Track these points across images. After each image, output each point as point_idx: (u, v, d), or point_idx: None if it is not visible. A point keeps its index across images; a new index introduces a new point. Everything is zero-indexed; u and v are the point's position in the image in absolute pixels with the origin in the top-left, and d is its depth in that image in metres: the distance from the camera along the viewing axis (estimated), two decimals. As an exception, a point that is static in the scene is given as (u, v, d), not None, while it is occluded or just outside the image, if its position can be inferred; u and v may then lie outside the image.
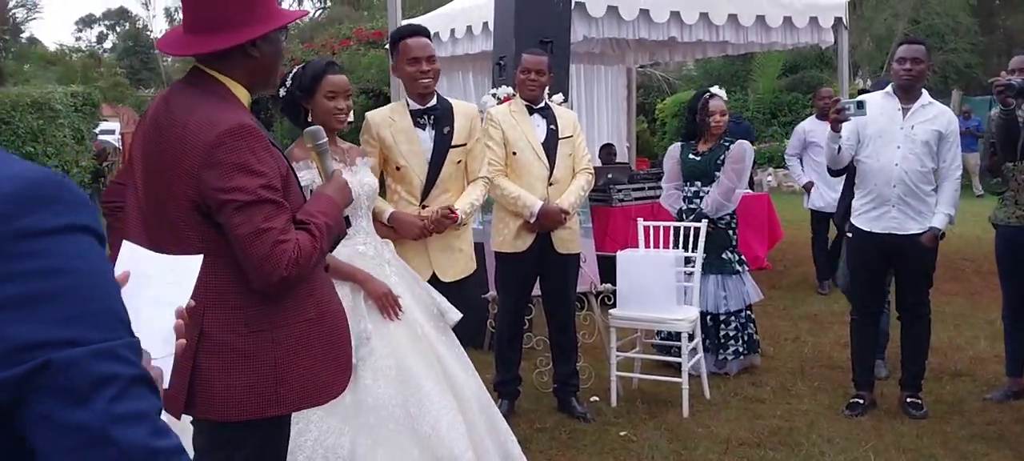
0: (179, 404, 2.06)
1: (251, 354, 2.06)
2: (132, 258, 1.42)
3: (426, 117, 3.66)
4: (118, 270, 1.41)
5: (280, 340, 2.09)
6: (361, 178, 3.07)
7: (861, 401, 4.43)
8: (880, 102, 4.29)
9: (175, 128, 2.02)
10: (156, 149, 2.06)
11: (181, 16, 2.15)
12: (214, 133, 1.95)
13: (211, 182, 1.95)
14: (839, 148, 4.27)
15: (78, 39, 44.37)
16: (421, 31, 3.73)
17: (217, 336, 2.05)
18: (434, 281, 3.49)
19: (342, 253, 2.87)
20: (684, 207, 5.07)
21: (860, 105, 4.12)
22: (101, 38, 45.10)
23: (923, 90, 4.29)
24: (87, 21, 45.65)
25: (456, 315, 3.25)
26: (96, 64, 29.74)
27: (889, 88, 4.35)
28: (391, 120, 3.65)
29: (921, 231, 4.20)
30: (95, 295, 0.92)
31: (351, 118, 3.53)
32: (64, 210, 0.91)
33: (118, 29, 43.63)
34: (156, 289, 1.39)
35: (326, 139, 2.46)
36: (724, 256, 5.06)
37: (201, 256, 1.52)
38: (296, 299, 2.11)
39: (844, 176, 4.83)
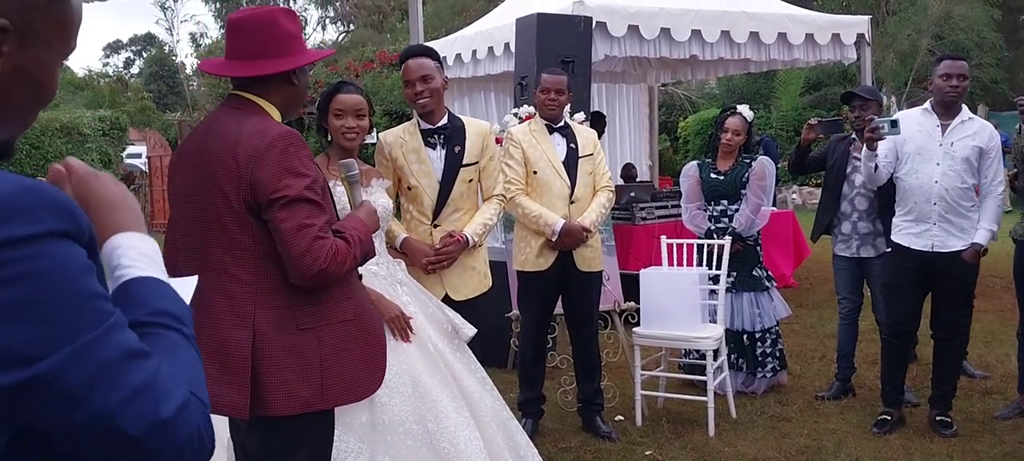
0: (245, 406, 2.19)
1: (300, 351, 2.22)
2: None
3: (437, 136, 3.64)
4: None
5: (324, 338, 2.25)
6: (376, 199, 3.13)
7: (889, 417, 4.38)
8: (918, 119, 4.24)
9: (227, 141, 2.21)
10: (204, 166, 2.23)
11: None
12: (266, 139, 2.17)
13: (262, 181, 2.14)
14: (876, 167, 4.23)
15: (105, 64, 45.01)
16: (418, 52, 3.70)
17: (271, 334, 2.20)
18: (447, 300, 3.48)
19: None
20: (711, 226, 5.04)
21: (894, 123, 4.08)
22: (128, 63, 45.72)
23: (963, 106, 4.24)
24: (114, 47, 46.32)
25: (470, 331, 3.24)
26: (123, 89, 30.15)
27: (928, 104, 4.30)
28: (403, 140, 3.65)
29: (963, 248, 4.13)
30: (69, 293, 0.93)
31: (374, 138, 3.57)
32: (38, 217, 0.92)
33: (144, 54, 44.24)
34: None
35: (357, 171, 2.60)
36: (755, 273, 5.03)
37: (196, 277, 1.56)
38: (337, 300, 2.28)
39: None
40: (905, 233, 4.26)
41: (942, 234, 4.15)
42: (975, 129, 4.18)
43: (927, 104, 4.30)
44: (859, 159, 4.51)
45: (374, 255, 2.49)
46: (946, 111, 4.19)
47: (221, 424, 2.70)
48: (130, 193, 1.24)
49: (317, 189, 2.20)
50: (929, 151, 4.16)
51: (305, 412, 2.23)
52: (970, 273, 4.20)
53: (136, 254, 1.13)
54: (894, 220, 4.36)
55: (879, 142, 4.14)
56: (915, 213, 4.20)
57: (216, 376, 2.09)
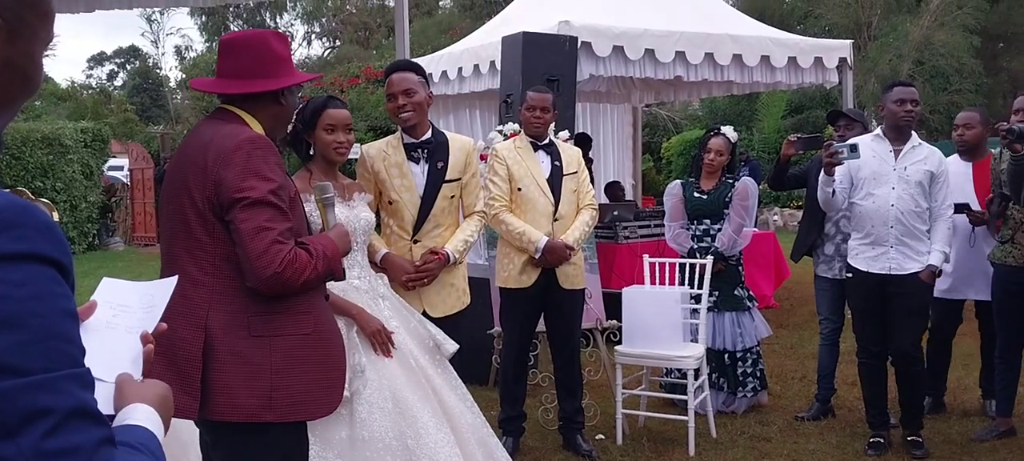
0: (194, 408, 2.16)
1: (250, 357, 2.18)
2: (109, 290, 1.42)
3: (420, 151, 3.63)
4: (90, 301, 1.40)
5: (277, 348, 2.21)
6: (358, 213, 3.12)
7: (881, 440, 4.40)
8: (871, 144, 4.34)
9: (199, 145, 2.24)
10: (179, 169, 2.27)
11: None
12: (235, 140, 2.19)
13: (226, 180, 2.15)
14: (833, 191, 4.29)
15: (89, 76, 44.69)
16: (402, 66, 3.70)
17: (221, 337, 2.17)
18: (425, 317, 3.45)
19: (337, 287, 2.88)
20: (694, 246, 5.07)
21: (853, 148, 4.16)
22: (111, 75, 45.45)
23: (912, 132, 4.33)
24: (98, 59, 46.03)
25: (452, 346, 3.23)
26: (106, 101, 29.99)
27: (878, 130, 4.40)
28: (385, 154, 3.63)
29: (918, 270, 4.21)
30: (38, 324, 0.88)
31: (356, 152, 3.55)
32: (21, 237, 0.88)
33: (128, 67, 44.04)
34: (134, 317, 1.39)
35: (332, 194, 2.61)
36: (737, 293, 5.06)
37: (176, 278, 1.54)
38: (295, 313, 2.24)
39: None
40: (862, 257, 4.34)
41: (899, 256, 4.23)
42: (925, 154, 4.30)
43: (878, 130, 4.42)
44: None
45: (342, 278, 2.48)
46: (898, 136, 4.31)
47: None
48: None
49: (282, 195, 2.19)
50: (884, 175, 4.26)
51: (250, 422, 2.17)
52: (925, 293, 4.28)
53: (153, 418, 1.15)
54: (850, 243, 4.46)
55: (836, 168, 4.21)
56: (872, 236, 4.28)
57: (166, 376, 1.97)
